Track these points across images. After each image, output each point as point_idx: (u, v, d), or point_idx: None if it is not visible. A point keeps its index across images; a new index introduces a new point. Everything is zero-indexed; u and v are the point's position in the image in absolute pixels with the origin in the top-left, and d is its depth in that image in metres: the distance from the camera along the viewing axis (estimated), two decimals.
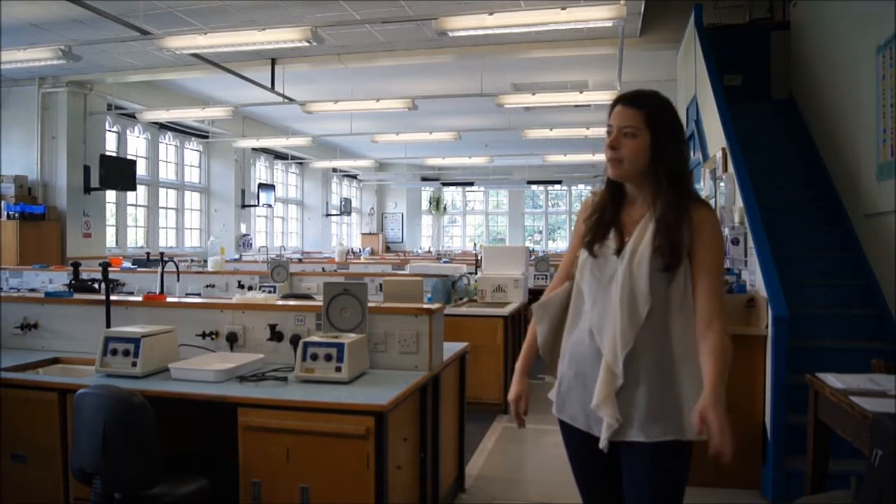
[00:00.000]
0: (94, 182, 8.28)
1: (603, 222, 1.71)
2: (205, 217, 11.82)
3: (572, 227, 20.91)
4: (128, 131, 9.86)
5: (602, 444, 1.61)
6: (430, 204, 19.16)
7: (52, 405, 2.46)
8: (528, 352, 1.85)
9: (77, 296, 3.38)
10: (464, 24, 5.16)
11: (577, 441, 1.72)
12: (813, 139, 5.20)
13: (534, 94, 7.84)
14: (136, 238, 10.26)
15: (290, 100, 8.11)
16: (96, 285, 4.53)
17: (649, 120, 1.63)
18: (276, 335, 2.88)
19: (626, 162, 1.64)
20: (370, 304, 2.77)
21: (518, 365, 1.85)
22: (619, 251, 1.65)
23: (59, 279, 5.79)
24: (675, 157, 1.66)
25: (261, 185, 12.64)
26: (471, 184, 17.35)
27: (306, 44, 5.51)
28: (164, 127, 10.52)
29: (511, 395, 1.84)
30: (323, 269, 7.36)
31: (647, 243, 1.61)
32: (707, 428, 1.49)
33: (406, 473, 2.56)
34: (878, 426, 1.82)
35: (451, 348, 3.13)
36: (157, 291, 4.23)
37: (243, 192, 12.09)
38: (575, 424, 1.71)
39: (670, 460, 1.60)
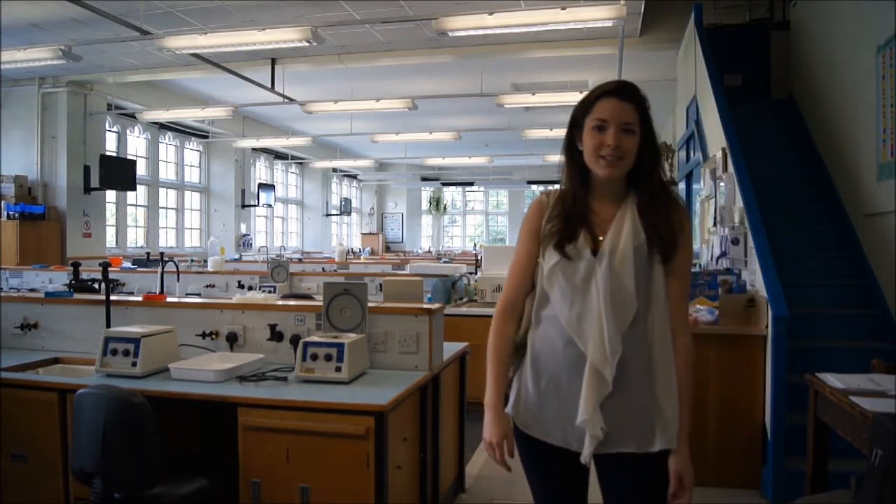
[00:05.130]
0: (94, 182, 8.29)
1: (572, 221, 1.57)
2: (205, 217, 11.82)
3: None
4: (128, 131, 9.86)
5: (584, 458, 1.50)
6: (430, 204, 19.15)
7: (52, 405, 2.46)
8: (502, 379, 1.60)
9: (77, 296, 3.38)
10: (464, 24, 5.17)
11: (554, 459, 1.57)
12: (813, 139, 5.20)
13: (534, 94, 7.84)
14: (136, 238, 10.26)
15: (290, 100, 8.11)
16: (96, 285, 4.53)
17: (642, 115, 1.54)
18: (276, 335, 2.88)
19: (625, 160, 1.53)
20: (370, 304, 2.77)
21: (493, 398, 1.58)
22: (594, 251, 1.53)
23: (59, 279, 5.79)
24: (658, 155, 1.60)
25: (261, 185, 12.64)
26: (471, 184, 17.35)
27: (306, 44, 5.51)
28: (164, 127, 10.52)
29: (493, 436, 1.55)
30: (323, 269, 7.36)
31: (628, 240, 1.51)
32: (681, 489, 1.50)
33: (406, 473, 2.56)
34: (878, 426, 1.82)
35: (451, 348, 3.13)
36: (157, 291, 4.23)
37: (243, 192, 12.09)
38: (549, 440, 1.56)
39: (659, 472, 1.51)
